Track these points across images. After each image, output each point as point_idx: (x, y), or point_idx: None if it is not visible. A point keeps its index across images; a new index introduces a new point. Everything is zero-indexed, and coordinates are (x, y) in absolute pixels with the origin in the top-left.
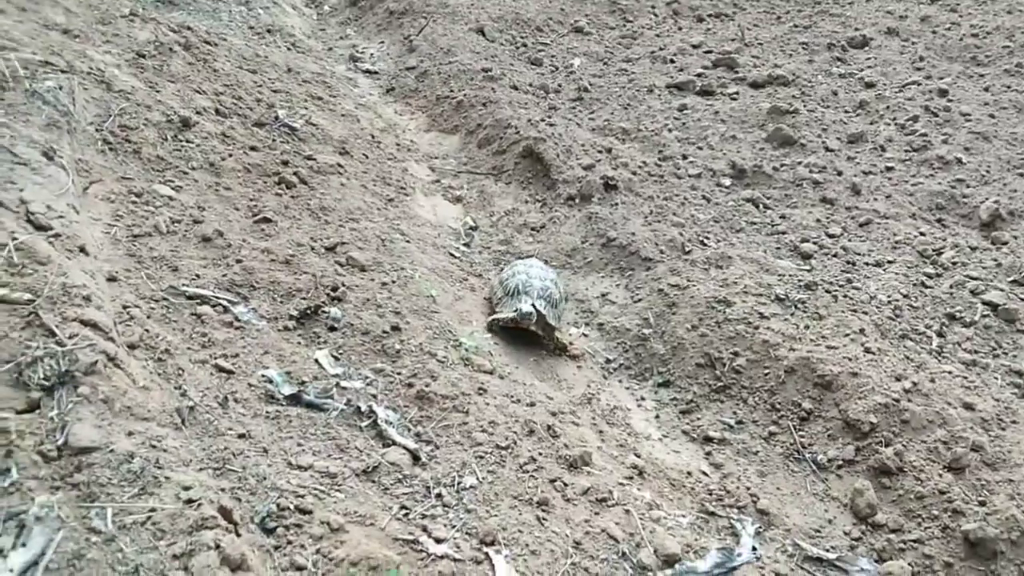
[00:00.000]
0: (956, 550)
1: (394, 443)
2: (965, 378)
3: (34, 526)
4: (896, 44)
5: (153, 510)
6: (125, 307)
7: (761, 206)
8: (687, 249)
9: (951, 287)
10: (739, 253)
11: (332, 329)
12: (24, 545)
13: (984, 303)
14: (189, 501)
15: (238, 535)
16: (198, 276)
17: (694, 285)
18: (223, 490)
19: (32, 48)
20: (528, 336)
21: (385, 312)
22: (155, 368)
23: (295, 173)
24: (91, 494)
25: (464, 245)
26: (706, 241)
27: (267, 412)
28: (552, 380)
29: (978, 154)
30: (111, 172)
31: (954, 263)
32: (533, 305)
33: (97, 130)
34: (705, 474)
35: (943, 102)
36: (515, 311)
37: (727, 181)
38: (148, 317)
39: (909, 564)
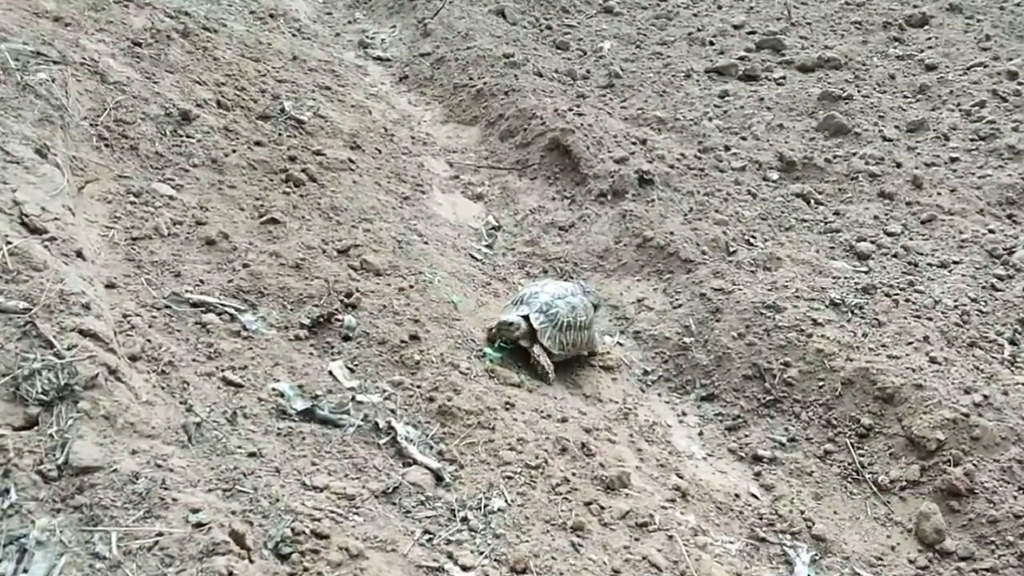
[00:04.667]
0: None
1: (415, 462)
2: None
3: (35, 551)
4: (959, 22)
5: (160, 534)
6: (125, 316)
7: (813, 201)
8: (731, 249)
9: None
10: (789, 253)
11: (346, 339)
12: (26, 572)
13: None
14: (199, 525)
15: (251, 561)
16: (202, 282)
17: (740, 289)
18: (234, 513)
19: (23, 38)
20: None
21: (403, 320)
22: (159, 381)
23: (303, 170)
24: (94, 517)
25: (486, 247)
26: (752, 240)
27: (279, 428)
28: (584, 394)
29: None
30: (107, 170)
31: None
32: (526, 317)
33: (92, 125)
34: (755, 496)
35: (1013, 85)
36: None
37: (774, 174)
38: (150, 326)
39: None
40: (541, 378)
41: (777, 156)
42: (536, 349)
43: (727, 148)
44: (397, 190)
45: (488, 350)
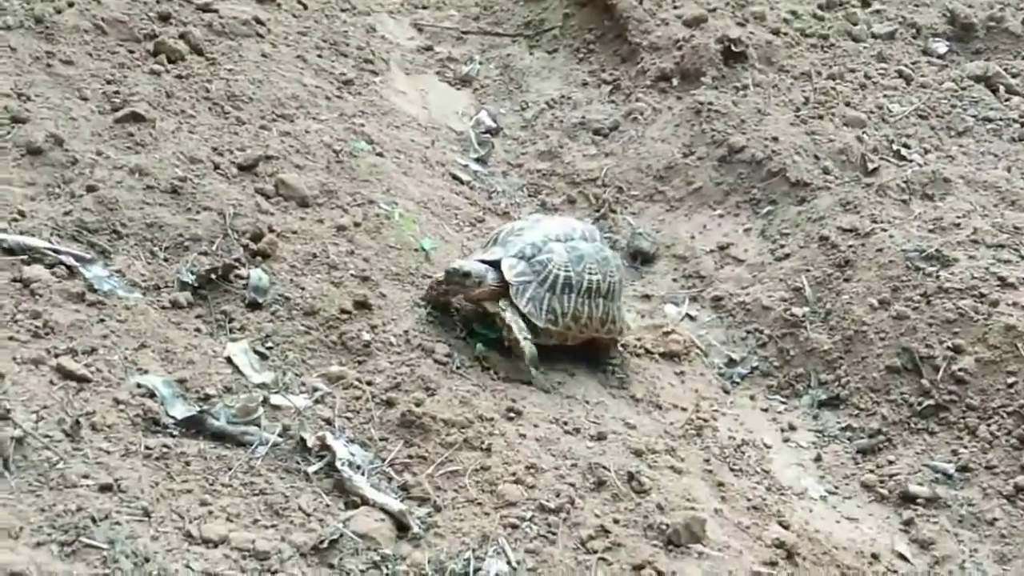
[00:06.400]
0: None
1: (365, 501)
2: None
3: None
4: None
5: None
6: None
7: (1002, 89)
8: (871, 166)
9: None
10: (963, 172)
11: (254, 306)
12: None
13: None
14: None
15: None
16: (22, 215)
17: (884, 229)
18: None
19: None
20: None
21: (343, 277)
22: None
23: (183, 35)
24: None
25: (477, 160)
26: (905, 152)
27: (147, 447)
28: (634, 395)
29: None
30: None
31: None
32: (496, 264)
33: None
34: (903, 559)
35: None
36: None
37: (941, 45)
38: None
39: None
40: (520, 369)
41: (946, 15)
42: (508, 314)
43: (866, 2)
44: (333, 69)
45: (480, 327)
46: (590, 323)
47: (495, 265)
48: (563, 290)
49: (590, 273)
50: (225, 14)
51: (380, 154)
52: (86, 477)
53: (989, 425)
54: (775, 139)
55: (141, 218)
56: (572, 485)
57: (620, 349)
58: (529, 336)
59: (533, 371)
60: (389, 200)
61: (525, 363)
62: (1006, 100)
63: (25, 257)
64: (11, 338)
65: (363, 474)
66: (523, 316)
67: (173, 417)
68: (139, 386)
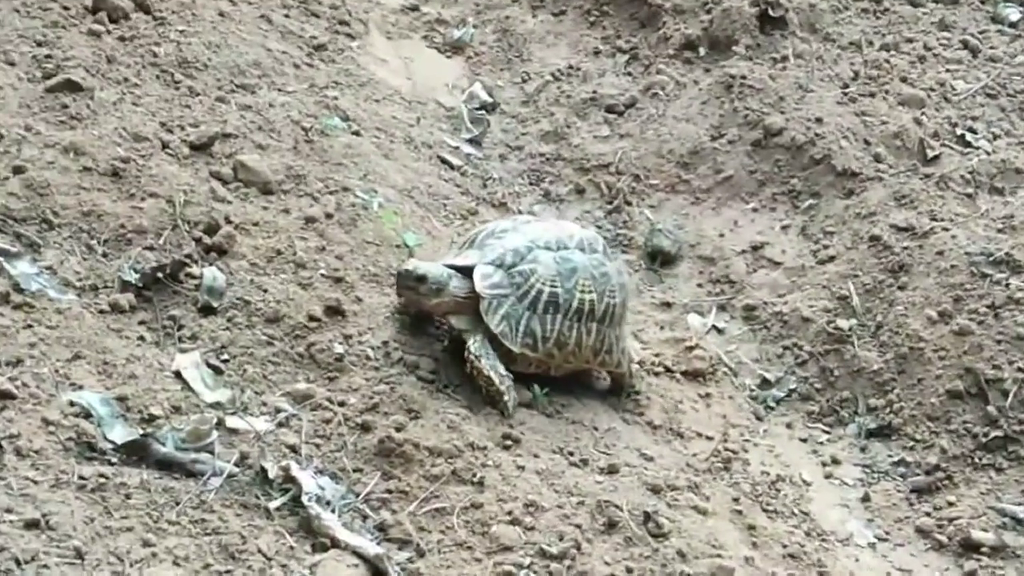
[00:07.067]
0: None
1: (335, 543)
2: None
3: None
4: None
5: None
6: None
7: None
8: (930, 153)
9: None
10: None
11: (208, 311)
12: None
13: None
14: None
15: None
16: None
17: (945, 228)
18: None
19: None
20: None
21: (313, 278)
22: None
23: None
24: None
25: (470, 142)
26: (970, 137)
27: (81, 477)
28: (651, 421)
29: None
30: None
31: None
32: (467, 271)
33: None
34: None
35: None
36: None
37: (1013, 11)
38: None
39: None
40: (491, 402)
41: None
42: (484, 362)
43: None
44: (302, 32)
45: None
46: (579, 351)
47: (463, 272)
48: (547, 309)
49: (582, 291)
50: None
51: (357, 133)
52: (9, 511)
53: None
54: (819, 120)
55: (76, 205)
56: (578, 527)
57: (632, 383)
58: (512, 384)
59: (509, 410)
60: (367, 187)
61: (505, 413)
62: None
63: None
64: None
65: (334, 511)
66: (493, 340)
67: (112, 441)
68: (72, 404)
